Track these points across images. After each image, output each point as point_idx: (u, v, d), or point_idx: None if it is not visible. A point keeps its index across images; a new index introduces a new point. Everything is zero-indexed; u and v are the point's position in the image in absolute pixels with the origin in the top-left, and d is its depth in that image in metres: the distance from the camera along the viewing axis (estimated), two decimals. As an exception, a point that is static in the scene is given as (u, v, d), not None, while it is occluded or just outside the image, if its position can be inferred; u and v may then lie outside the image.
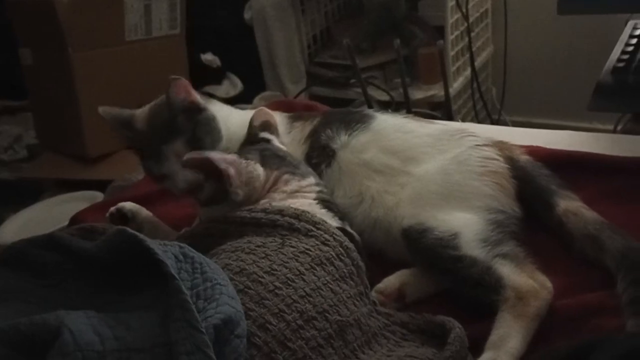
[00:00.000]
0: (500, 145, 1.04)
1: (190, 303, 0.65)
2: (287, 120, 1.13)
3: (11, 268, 0.78)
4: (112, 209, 1.10)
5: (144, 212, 1.11)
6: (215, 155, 0.93)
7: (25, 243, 0.80)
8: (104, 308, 0.69)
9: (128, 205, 1.11)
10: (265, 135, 1.04)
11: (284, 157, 1.00)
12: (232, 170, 0.92)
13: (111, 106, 1.07)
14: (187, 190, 1.01)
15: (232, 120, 1.10)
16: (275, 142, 1.04)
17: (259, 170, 0.96)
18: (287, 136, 1.09)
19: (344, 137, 1.05)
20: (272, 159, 0.98)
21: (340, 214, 0.96)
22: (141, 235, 0.72)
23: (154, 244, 0.70)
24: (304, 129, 1.11)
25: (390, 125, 1.06)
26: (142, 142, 1.05)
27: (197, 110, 1.04)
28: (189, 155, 0.93)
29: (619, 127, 1.53)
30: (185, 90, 1.02)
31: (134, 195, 1.27)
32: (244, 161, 0.95)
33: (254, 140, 1.03)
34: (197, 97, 1.04)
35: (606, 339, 0.70)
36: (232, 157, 0.94)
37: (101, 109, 1.05)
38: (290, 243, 0.82)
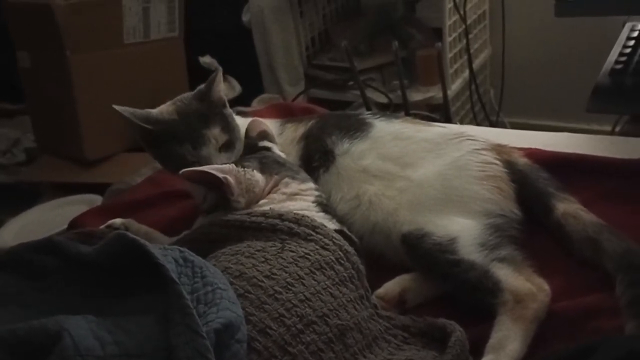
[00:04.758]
0: (498, 149, 1.04)
1: (191, 307, 0.65)
2: (279, 123, 1.15)
3: (9, 272, 0.78)
4: (102, 227, 1.10)
5: (136, 224, 1.11)
6: (211, 168, 0.94)
7: (24, 247, 0.80)
8: (103, 313, 0.69)
9: (118, 221, 1.11)
10: (264, 143, 1.05)
11: (284, 163, 1.02)
12: (231, 180, 0.93)
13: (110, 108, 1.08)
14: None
15: (240, 125, 1.12)
16: (275, 149, 1.05)
17: (257, 176, 0.96)
18: (279, 137, 1.11)
19: (346, 145, 1.06)
20: (272, 164, 0.99)
21: (338, 218, 0.96)
22: (141, 240, 0.71)
23: (154, 248, 0.70)
24: (297, 129, 1.13)
25: (387, 134, 1.06)
26: (172, 131, 1.04)
27: (223, 104, 1.10)
28: (186, 170, 0.94)
29: (617, 129, 1.53)
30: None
31: (132, 199, 1.28)
32: (241, 169, 0.95)
33: (253, 150, 1.04)
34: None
35: (605, 341, 0.70)
36: (229, 167, 0.95)
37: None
38: (289, 247, 0.82)
